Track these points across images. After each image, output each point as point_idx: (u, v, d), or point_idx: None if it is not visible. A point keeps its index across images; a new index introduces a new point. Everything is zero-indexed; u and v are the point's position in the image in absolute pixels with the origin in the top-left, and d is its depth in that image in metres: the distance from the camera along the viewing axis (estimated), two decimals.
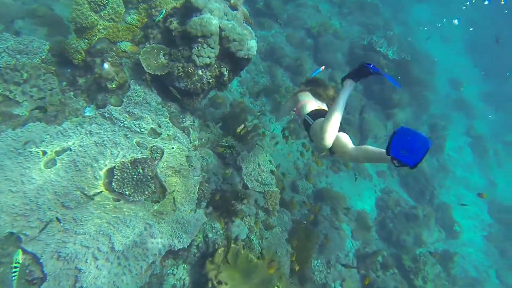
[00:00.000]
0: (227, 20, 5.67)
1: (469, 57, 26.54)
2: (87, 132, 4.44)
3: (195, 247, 5.58)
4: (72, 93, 5.12)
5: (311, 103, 3.64)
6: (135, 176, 4.33)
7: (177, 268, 5.48)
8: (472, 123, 19.21)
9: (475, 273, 12.38)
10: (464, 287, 10.95)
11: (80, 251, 3.71)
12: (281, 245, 6.52)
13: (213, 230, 5.75)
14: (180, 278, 5.44)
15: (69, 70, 5.28)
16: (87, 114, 4.88)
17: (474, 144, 17.90)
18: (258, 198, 6.38)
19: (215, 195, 5.80)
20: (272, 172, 6.86)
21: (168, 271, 5.39)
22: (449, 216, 12.93)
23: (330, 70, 12.52)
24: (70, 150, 4.19)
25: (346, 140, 2.98)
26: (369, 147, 2.73)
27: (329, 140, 2.75)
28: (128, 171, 4.31)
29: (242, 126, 6.15)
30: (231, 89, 9.62)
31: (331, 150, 3.06)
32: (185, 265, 5.55)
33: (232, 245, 5.53)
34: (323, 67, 4.59)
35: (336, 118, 2.69)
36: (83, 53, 5.23)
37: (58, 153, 4.16)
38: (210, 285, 4.95)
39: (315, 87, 3.86)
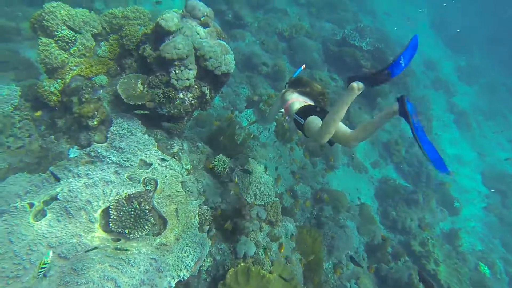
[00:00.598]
0: (200, 38, 5.60)
1: (437, 36, 27.25)
2: (75, 175, 4.26)
3: (204, 272, 5.41)
4: (53, 136, 4.93)
5: (298, 101, 3.62)
6: (132, 212, 4.16)
7: None
8: (453, 100, 19.64)
9: (482, 246, 12.50)
10: (473, 262, 11.02)
11: None
12: (290, 253, 6.39)
13: (220, 252, 5.59)
14: None
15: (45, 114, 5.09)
16: (71, 156, 4.70)
17: (458, 120, 18.27)
18: (259, 211, 6.26)
19: (216, 216, 5.66)
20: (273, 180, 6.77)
21: None
22: (448, 193, 13.07)
23: (309, 70, 12.59)
24: (58, 198, 3.98)
25: (343, 129, 2.96)
26: (366, 121, 2.77)
27: (327, 139, 2.82)
28: (124, 208, 4.14)
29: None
30: (213, 105, 9.52)
31: (332, 142, 3.06)
32: None
33: (241, 264, 5.38)
34: (303, 66, 4.57)
35: (336, 122, 2.70)
36: (58, 94, 5.06)
37: (46, 203, 3.96)
38: None
39: (301, 87, 3.84)
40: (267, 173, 7.09)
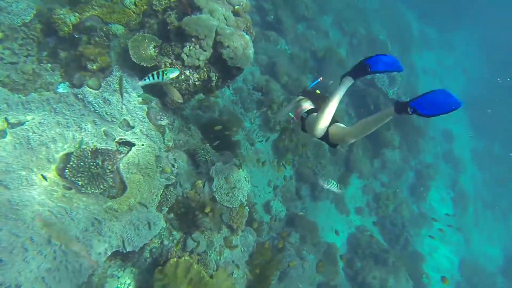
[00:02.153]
0: (226, 25, 5.50)
1: (466, 111, 27.06)
2: (52, 110, 4.15)
3: (148, 251, 5.24)
4: (50, 65, 4.83)
5: (311, 107, 3.85)
6: (92, 166, 4.03)
7: (123, 271, 5.14)
8: (458, 178, 19.38)
9: None
10: None
11: (6, 239, 3.36)
12: (239, 265, 6.21)
13: (170, 238, 5.43)
14: (125, 282, 5.09)
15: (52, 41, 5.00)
16: (59, 90, 4.59)
17: (456, 199, 17.99)
18: (224, 213, 6.10)
19: (179, 202, 5.51)
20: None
21: (114, 273, 5.05)
22: (420, 266, 12.79)
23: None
24: (24, 125, 3.86)
25: (341, 127, 3.17)
26: (363, 119, 2.86)
27: (321, 129, 3.04)
28: (85, 160, 4.01)
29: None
30: (223, 95, 9.42)
31: (332, 142, 3.21)
32: (134, 269, 5.21)
33: (185, 258, 5.21)
34: (321, 78, 4.56)
35: (330, 110, 2.96)
36: (71, 26, 4.97)
37: (12, 126, 3.84)
38: None
39: (315, 99, 4.00)
40: (247, 180, 6.94)
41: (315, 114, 3.33)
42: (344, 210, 11.50)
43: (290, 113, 4.62)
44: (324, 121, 2.99)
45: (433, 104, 2.25)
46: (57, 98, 4.31)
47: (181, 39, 5.20)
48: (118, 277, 5.07)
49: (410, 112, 2.29)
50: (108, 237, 4.39)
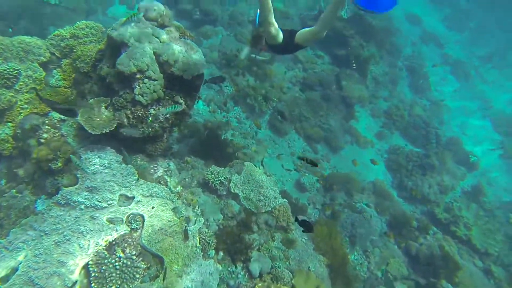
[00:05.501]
0: (161, 42, 4.85)
1: None
2: (42, 234, 3.58)
3: None
4: (14, 190, 4.25)
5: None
6: (116, 263, 3.49)
7: None
8: (445, 51, 18.74)
9: (508, 196, 11.82)
10: (503, 215, 10.32)
11: None
12: (310, 257, 5.74)
13: (233, 275, 4.94)
14: None
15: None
16: (39, 208, 4.02)
17: (455, 71, 17.40)
18: (266, 219, 5.58)
19: (219, 237, 4.99)
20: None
21: None
22: (462, 149, 12.34)
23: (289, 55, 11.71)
24: (18, 270, 3.29)
25: (306, 30, 3.54)
26: (324, 13, 3.27)
27: (273, 30, 3.50)
28: (106, 260, 3.47)
29: None
30: (198, 111, 8.79)
31: (303, 45, 3.73)
32: None
33: (259, 285, 4.73)
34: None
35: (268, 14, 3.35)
36: (11, 140, 4.36)
37: (5, 279, 3.28)
38: None
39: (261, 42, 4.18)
40: (268, 174, 6.40)
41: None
42: (367, 144, 10.97)
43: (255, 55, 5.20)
44: (271, 26, 3.43)
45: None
46: (41, 218, 3.74)
47: (127, 83, 4.57)
48: None
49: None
50: None
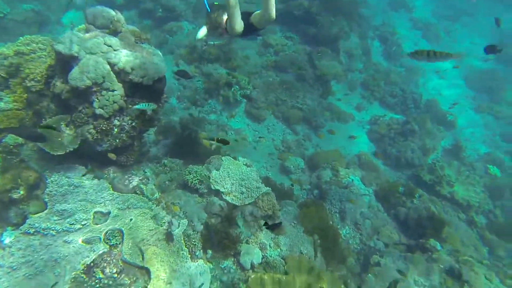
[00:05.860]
0: (114, 50, 4.58)
1: None
2: (9, 270, 3.41)
3: None
4: None
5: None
6: (97, 285, 3.36)
7: None
8: (414, 16, 18.63)
9: (486, 148, 12.05)
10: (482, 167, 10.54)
11: None
12: (301, 240, 5.72)
13: (225, 271, 4.87)
14: None
15: None
16: (6, 242, 3.81)
17: (425, 34, 17.37)
18: (251, 210, 5.50)
19: (205, 236, 4.90)
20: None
21: None
22: (439, 110, 12.43)
23: (260, 38, 11.44)
24: None
25: (257, 12, 3.49)
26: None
27: (238, 25, 3.45)
28: (85, 285, 3.33)
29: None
30: (174, 110, 8.55)
31: (260, 28, 3.65)
32: None
33: (252, 277, 4.68)
34: None
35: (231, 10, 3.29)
36: None
37: None
38: None
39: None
40: (248, 164, 6.27)
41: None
42: (347, 118, 10.92)
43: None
44: (235, 19, 3.37)
45: None
46: (8, 253, 3.55)
47: (84, 97, 4.34)
48: None
49: None
50: None
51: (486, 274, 5.88)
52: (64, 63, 4.53)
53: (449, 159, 10.19)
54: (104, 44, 4.55)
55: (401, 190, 8.24)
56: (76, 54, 4.35)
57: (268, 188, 5.91)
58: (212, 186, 5.49)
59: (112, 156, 4.58)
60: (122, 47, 4.67)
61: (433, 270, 5.71)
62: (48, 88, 4.72)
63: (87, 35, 4.51)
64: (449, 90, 14.45)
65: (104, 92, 4.35)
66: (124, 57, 4.47)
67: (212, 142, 4.92)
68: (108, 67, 4.38)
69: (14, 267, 3.40)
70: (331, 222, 6.56)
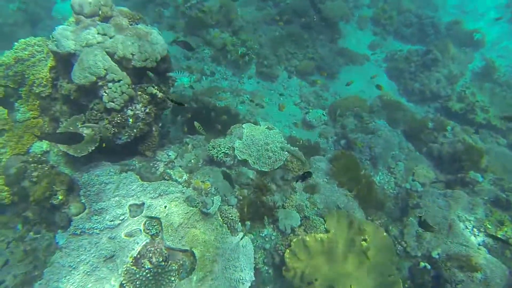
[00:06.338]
0: (110, 38, 4.24)
1: None
2: (70, 268, 3.51)
3: (262, 268, 4.76)
4: (31, 232, 4.14)
5: None
6: (148, 275, 3.41)
7: None
8: None
9: None
10: None
11: None
12: (337, 195, 5.57)
13: (267, 239, 4.87)
14: None
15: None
16: (60, 243, 3.92)
17: None
18: (282, 174, 5.34)
19: (240, 208, 4.84)
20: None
21: None
22: (463, 30, 11.28)
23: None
24: None
25: None
26: None
27: None
28: (137, 275, 3.38)
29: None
30: (185, 87, 8.22)
31: None
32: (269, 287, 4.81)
33: (294, 241, 4.64)
34: None
35: None
36: (5, 187, 4.15)
37: None
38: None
39: None
40: (269, 127, 6.01)
41: None
42: (362, 59, 10.16)
43: None
44: None
45: None
46: (65, 254, 3.64)
47: (93, 94, 4.14)
48: None
49: None
50: None
51: None
52: (65, 62, 4.28)
53: (479, 83, 9.38)
54: (98, 33, 4.21)
55: (430, 126, 7.77)
56: (72, 51, 4.07)
57: (295, 148, 5.68)
58: (238, 156, 5.33)
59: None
60: (117, 33, 4.32)
61: (476, 204, 5.45)
62: (57, 91, 4.54)
63: (78, 27, 4.18)
64: (472, 3, 12.96)
65: (110, 85, 4.10)
66: (121, 43, 4.14)
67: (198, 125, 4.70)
68: (108, 57, 4.09)
69: (73, 266, 3.51)
70: (363, 171, 6.32)
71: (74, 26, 4.21)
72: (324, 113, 8.28)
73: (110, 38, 4.25)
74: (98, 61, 3.95)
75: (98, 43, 4.15)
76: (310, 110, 8.39)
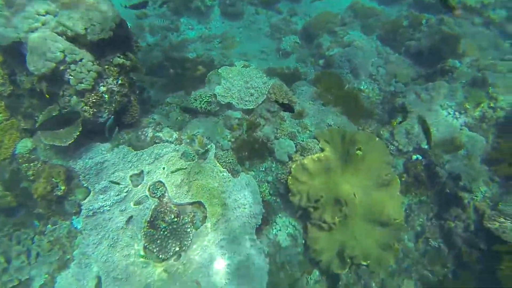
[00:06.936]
0: (55, 16, 3.81)
1: None
2: (95, 245, 3.71)
3: (271, 198, 4.97)
4: (49, 225, 4.27)
5: None
6: (165, 233, 3.59)
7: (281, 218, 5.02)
8: None
9: None
10: None
11: None
12: (325, 113, 5.58)
13: (267, 172, 5.01)
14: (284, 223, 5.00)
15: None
16: (79, 227, 4.06)
17: None
18: (267, 107, 5.29)
19: (236, 148, 4.91)
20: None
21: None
22: None
23: None
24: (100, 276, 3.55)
25: None
26: None
27: None
28: (156, 236, 3.57)
29: None
30: (152, 46, 7.70)
31: None
32: (280, 214, 5.04)
33: (293, 167, 4.77)
34: None
35: None
36: (7, 192, 4.17)
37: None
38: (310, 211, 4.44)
39: None
40: (246, 65, 5.79)
41: None
42: None
43: None
44: None
45: None
46: (86, 235, 3.82)
47: (58, 80, 3.86)
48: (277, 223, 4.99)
49: None
50: (243, 235, 4.18)
51: None
52: (12, 53, 3.93)
53: None
54: (37, 14, 3.78)
55: (405, 24, 7.44)
56: (17, 39, 3.70)
57: (274, 78, 5.54)
58: (221, 101, 5.23)
59: None
60: (61, 8, 3.86)
61: (456, 89, 5.49)
62: (18, 87, 4.26)
63: (11, 10, 3.73)
64: None
65: (73, 66, 3.81)
66: (69, 20, 3.74)
67: None
68: (60, 38, 3.72)
69: (97, 243, 3.71)
70: (346, 86, 6.24)
71: (6, 10, 3.76)
72: (297, 39, 7.91)
73: (55, 16, 3.84)
74: (50, 45, 3.61)
75: (43, 25, 3.75)
76: (283, 38, 8.00)
